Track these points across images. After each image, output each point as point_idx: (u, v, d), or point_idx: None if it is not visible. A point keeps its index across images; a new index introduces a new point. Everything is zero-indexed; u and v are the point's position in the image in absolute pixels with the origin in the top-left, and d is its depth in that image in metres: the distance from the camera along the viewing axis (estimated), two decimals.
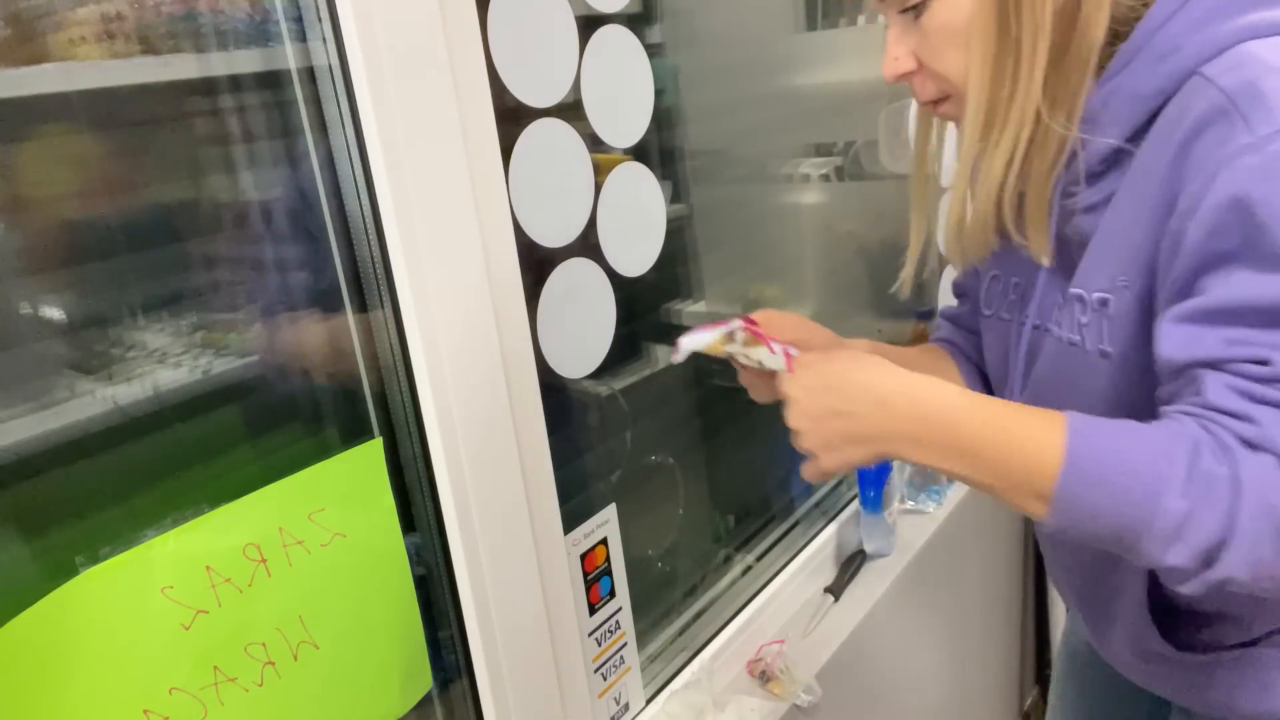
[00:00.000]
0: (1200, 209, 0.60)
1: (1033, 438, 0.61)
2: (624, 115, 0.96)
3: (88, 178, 0.64)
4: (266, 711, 0.68)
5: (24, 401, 0.61)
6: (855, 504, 1.51)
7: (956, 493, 1.65)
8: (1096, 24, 0.68)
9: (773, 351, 0.78)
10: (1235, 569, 0.55)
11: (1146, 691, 0.90)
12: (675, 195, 1.28)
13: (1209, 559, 0.56)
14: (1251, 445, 0.55)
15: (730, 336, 0.81)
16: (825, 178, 1.57)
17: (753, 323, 0.79)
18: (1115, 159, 0.70)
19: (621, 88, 0.96)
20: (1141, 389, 0.68)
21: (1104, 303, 0.70)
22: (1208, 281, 0.61)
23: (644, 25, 1.13)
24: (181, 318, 0.69)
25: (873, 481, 1.43)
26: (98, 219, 0.65)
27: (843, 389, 0.69)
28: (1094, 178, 0.71)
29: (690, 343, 0.82)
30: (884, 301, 1.75)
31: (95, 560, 0.59)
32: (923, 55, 0.74)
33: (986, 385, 0.98)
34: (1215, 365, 0.59)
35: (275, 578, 0.68)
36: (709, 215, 1.35)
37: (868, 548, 1.49)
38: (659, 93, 1.01)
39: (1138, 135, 0.68)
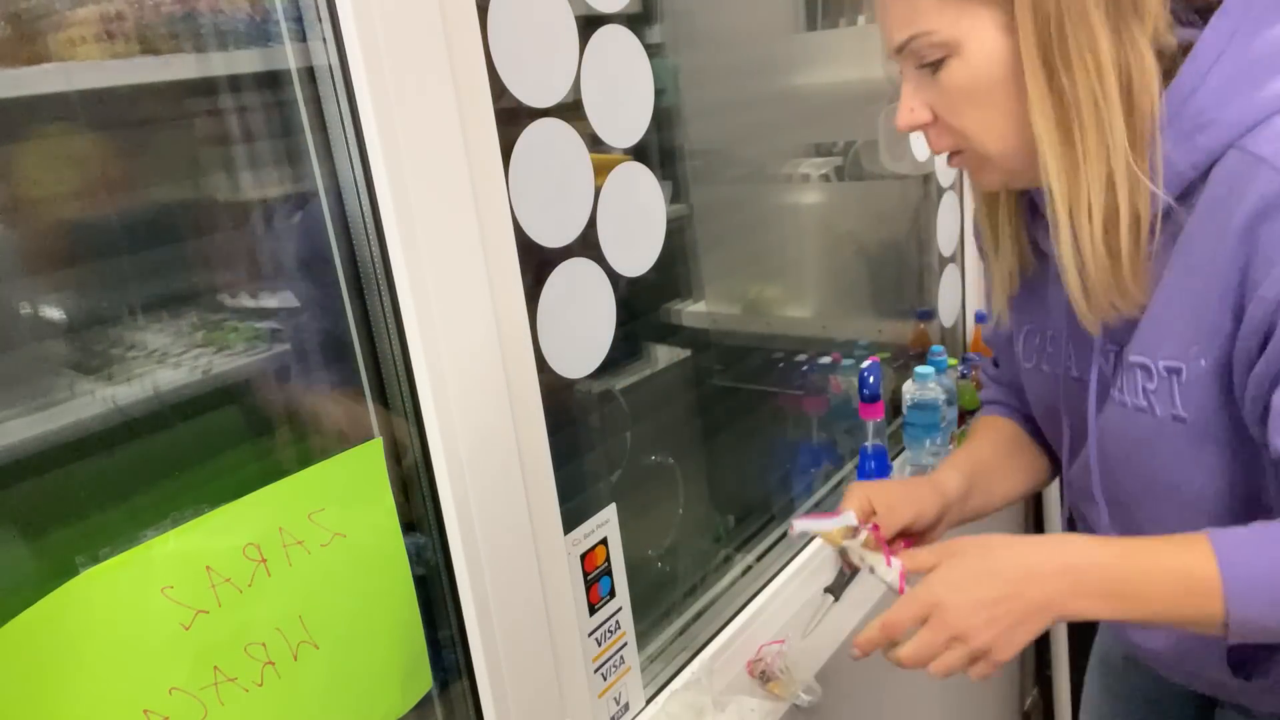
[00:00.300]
0: None
1: (1186, 572, 0.64)
2: (624, 115, 0.96)
3: (88, 178, 0.64)
4: (267, 711, 0.68)
5: (24, 401, 0.61)
6: None
7: None
8: (1148, 70, 0.67)
9: (889, 565, 0.79)
10: None
11: (1189, 692, 0.90)
12: (675, 195, 1.28)
13: None
14: None
15: (853, 532, 0.82)
16: (825, 178, 1.57)
17: (875, 527, 0.81)
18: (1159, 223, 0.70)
19: (621, 88, 0.96)
20: (1221, 448, 0.70)
21: (1175, 371, 0.71)
22: None
23: (644, 25, 1.13)
24: (181, 318, 0.69)
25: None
26: (98, 219, 0.65)
27: (992, 575, 0.69)
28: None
29: (806, 525, 0.85)
30: (884, 301, 1.75)
31: (95, 560, 0.59)
32: (939, 110, 0.74)
33: (1043, 435, 0.98)
34: None
35: (275, 578, 0.68)
36: (709, 215, 1.35)
37: None
38: (659, 93, 1.01)
39: (1178, 201, 0.69)
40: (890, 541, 0.89)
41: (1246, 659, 0.80)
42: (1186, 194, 0.69)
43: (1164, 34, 0.68)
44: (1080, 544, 0.69)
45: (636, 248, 1.01)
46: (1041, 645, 2.12)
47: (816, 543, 1.44)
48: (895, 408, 1.69)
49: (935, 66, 0.71)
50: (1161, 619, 0.66)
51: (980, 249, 0.90)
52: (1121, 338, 0.76)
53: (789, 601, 1.36)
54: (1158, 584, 0.66)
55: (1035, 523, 2.02)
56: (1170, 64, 0.69)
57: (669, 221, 1.05)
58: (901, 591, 0.80)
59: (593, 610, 1.00)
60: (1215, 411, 0.69)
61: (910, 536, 0.87)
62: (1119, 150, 0.67)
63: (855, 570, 0.85)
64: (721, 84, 1.37)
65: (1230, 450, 0.70)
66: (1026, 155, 0.72)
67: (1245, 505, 0.71)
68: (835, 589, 1.37)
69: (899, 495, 0.85)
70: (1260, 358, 0.65)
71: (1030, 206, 0.83)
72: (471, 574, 0.82)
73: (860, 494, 0.84)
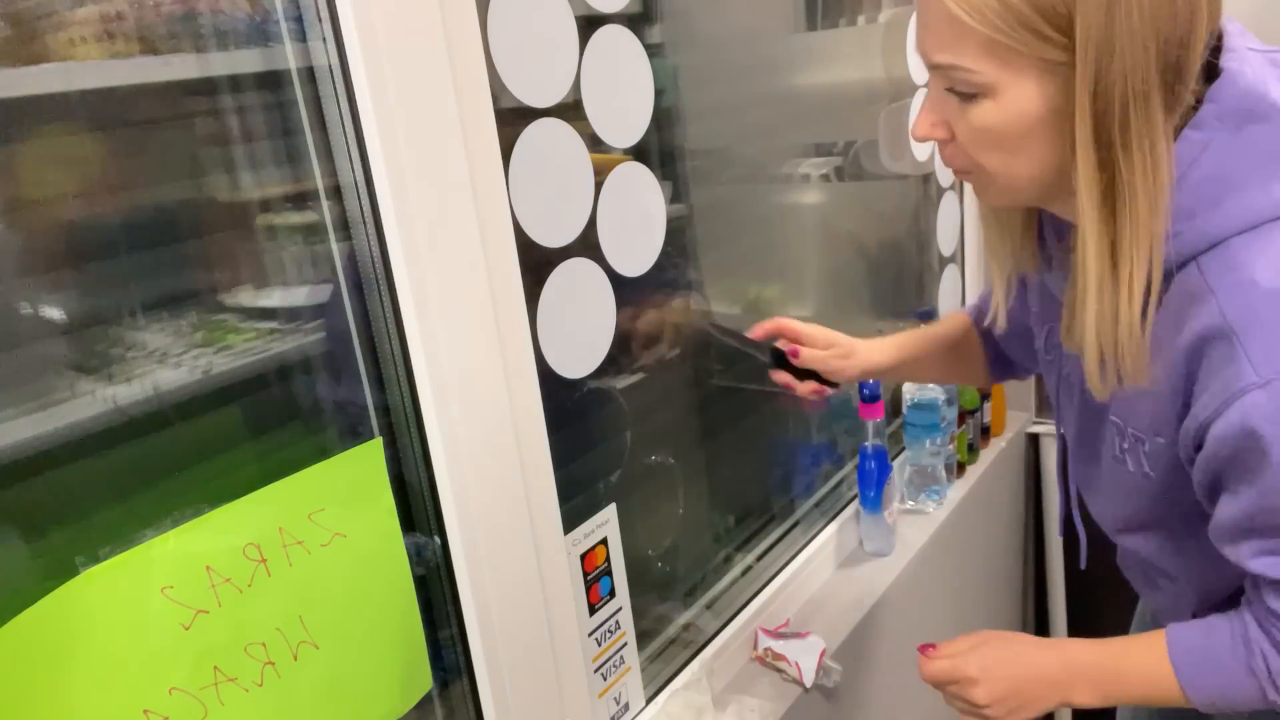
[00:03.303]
0: (1214, 427, 0.68)
1: (1154, 673, 0.80)
2: (624, 115, 0.96)
3: (88, 178, 0.64)
4: (267, 711, 0.68)
5: (24, 401, 0.61)
6: (855, 504, 1.51)
7: (956, 493, 1.65)
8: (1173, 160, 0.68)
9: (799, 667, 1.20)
10: None
11: None
12: (675, 195, 1.27)
13: None
14: None
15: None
16: (825, 178, 1.57)
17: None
18: None
19: (621, 88, 0.96)
20: (1183, 500, 0.78)
21: (1140, 440, 0.78)
22: (1226, 493, 0.72)
23: (644, 25, 1.13)
24: (181, 318, 0.69)
25: (873, 481, 1.43)
26: (98, 219, 0.65)
27: (1011, 665, 0.86)
28: None
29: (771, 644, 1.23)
30: (884, 301, 1.75)
31: (95, 560, 0.59)
32: (960, 136, 0.73)
33: (1001, 363, 1.10)
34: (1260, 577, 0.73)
35: (275, 578, 0.68)
36: (709, 215, 1.34)
37: (868, 547, 1.50)
38: (659, 93, 1.01)
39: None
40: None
41: None
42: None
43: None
44: (1076, 648, 0.85)
45: (636, 248, 1.01)
46: None
47: (817, 542, 1.44)
48: (895, 408, 1.69)
49: (965, 98, 0.70)
50: (1144, 704, 0.83)
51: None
52: None
53: (789, 601, 1.36)
54: (1133, 681, 0.82)
55: (1036, 533, 2.02)
56: None
57: (669, 221, 1.05)
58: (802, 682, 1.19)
59: (593, 610, 1.00)
60: (1173, 473, 0.77)
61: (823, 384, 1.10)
62: (1161, 236, 0.67)
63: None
64: (721, 84, 1.37)
65: (1185, 502, 0.78)
66: (1038, 192, 0.73)
67: (1197, 529, 0.79)
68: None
69: (826, 340, 1.07)
70: (1196, 460, 0.72)
71: (1040, 213, 0.85)
72: (471, 574, 0.81)
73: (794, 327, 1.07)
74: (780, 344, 1.10)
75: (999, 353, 1.10)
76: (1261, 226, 0.66)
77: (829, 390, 1.10)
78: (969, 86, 0.69)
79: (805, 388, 1.09)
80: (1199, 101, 0.68)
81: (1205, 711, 0.80)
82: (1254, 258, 0.66)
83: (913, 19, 1.54)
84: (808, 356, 1.07)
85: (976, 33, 0.65)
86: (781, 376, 1.09)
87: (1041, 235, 0.85)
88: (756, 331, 1.09)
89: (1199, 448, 0.71)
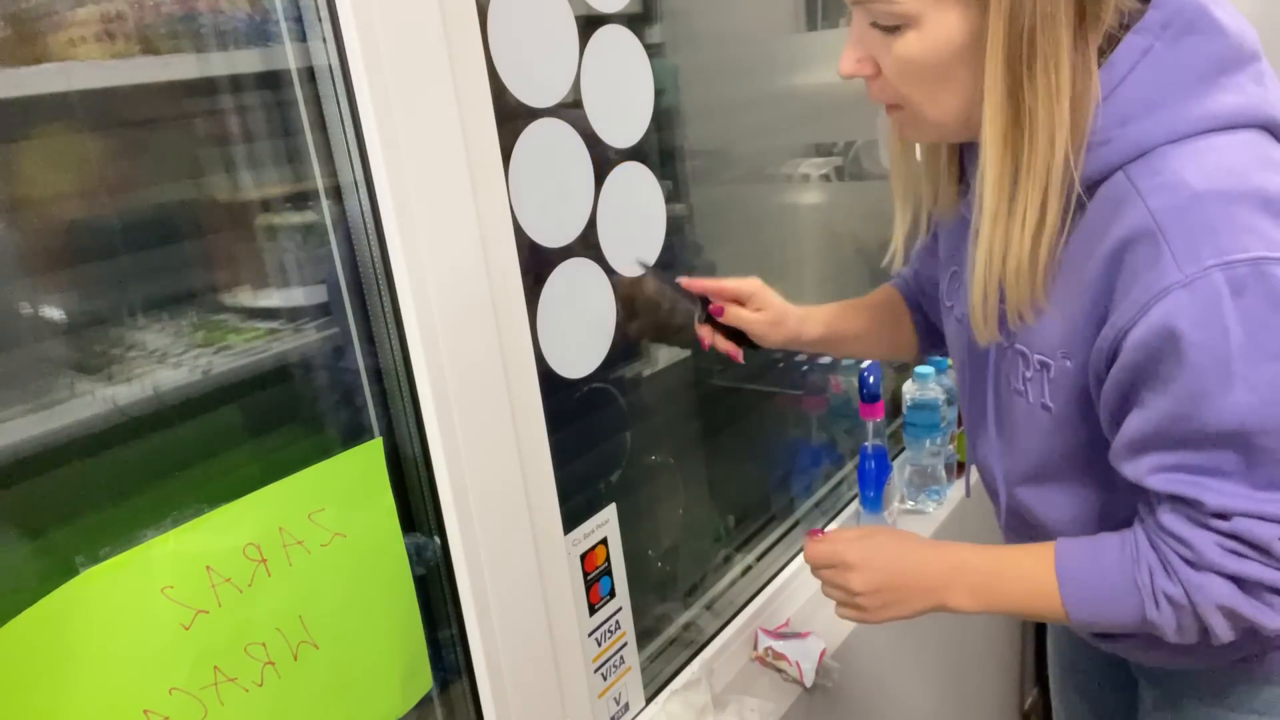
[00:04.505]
0: (1133, 331, 0.66)
1: (1036, 582, 0.78)
2: (624, 115, 0.96)
3: (88, 178, 0.64)
4: (267, 711, 0.68)
5: (24, 401, 0.61)
6: (855, 504, 1.51)
7: (956, 493, 1.65)
8: (1094, 82, 0.68)
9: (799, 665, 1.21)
10: (1222, 635, 0.74)
11: (1126, 670, 0.97)
12: (675, 195, 1.28)
13: (1203, 634, 0.74)
14: (1192, 565, 0.71)
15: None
16: (825, 178, 1.57)
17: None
18: None
19: (621, 88, 0.96)
20: (1077, 438, 0.77)
21: (1045, 365, 0.76)
22: (1135, 407, 0.70)
23: (644, 25, 1.13)
24: (181, 318, 0.69)
25: (873, 481, 1.43)
26: (98, 219, 0.65)
27: (895, 559, 0.84)
28: None
29: (770, 642, 1.24)
30: None
31: (95, 560, 0.59)
32: (886, 69, 0.74)
33: (931, 335, 1.09)
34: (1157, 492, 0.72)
35: (275, 578, 0.68)
36: (709, 215, 1.35)
37: None
38: (659, 93, 1.01)
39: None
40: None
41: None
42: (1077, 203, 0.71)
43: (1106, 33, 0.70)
44: (964, 551, 0.83)
45: (636, 248, 1.01)
46: (1042, 645, 2.12)
47: None
48: (895, 407, 1.69)
49: (889, 30, 0.71)
50: (1019, 615, 0.82)
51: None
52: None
53: (789, 601, 1.36)
54: (1014, 589, 0.80)
55: None
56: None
57: (669, 221, 1.05)
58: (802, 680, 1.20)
59: (593, 610, 1.00)
60: (1074, 404, 0.75)
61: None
62: (1059, 164, 0.68)
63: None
64: (721, 84, 1.37)
65: (1083, 439, 0.77)
66: (964, 124, 0.73)
67: (1098, 482, 0.78)
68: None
69: (760, 302, 1.03)
70: (1108, 376, 0.70)
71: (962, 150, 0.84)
72: (471, 574, 0.82)
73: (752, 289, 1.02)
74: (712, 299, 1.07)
75: (928, 323, 1.10)
76: (1191, 137, 0.66)
77: (739, 355, 1.07)
78: (891, 18, 0.70)
79: (723, 345, 1.05)
80: (1126, 24, 0.68)
81: (1077, 628, 0.78)
82: (1183, 163, 0.66)
83: None
84: (733, 316, 1.03)
85: None
86: (703, 330, 1.06)
87: (963, 174, 0.85)
88: (692, 285, 1.03)
89: (1113, 359, 0.69)
